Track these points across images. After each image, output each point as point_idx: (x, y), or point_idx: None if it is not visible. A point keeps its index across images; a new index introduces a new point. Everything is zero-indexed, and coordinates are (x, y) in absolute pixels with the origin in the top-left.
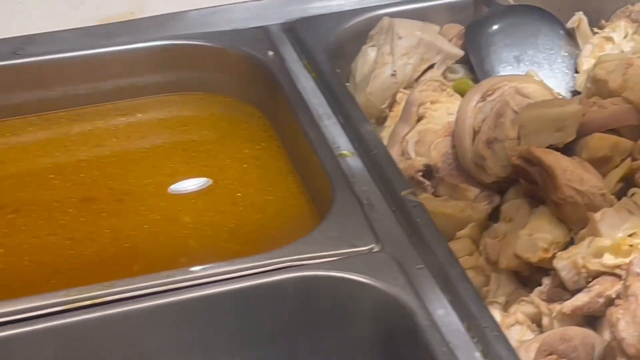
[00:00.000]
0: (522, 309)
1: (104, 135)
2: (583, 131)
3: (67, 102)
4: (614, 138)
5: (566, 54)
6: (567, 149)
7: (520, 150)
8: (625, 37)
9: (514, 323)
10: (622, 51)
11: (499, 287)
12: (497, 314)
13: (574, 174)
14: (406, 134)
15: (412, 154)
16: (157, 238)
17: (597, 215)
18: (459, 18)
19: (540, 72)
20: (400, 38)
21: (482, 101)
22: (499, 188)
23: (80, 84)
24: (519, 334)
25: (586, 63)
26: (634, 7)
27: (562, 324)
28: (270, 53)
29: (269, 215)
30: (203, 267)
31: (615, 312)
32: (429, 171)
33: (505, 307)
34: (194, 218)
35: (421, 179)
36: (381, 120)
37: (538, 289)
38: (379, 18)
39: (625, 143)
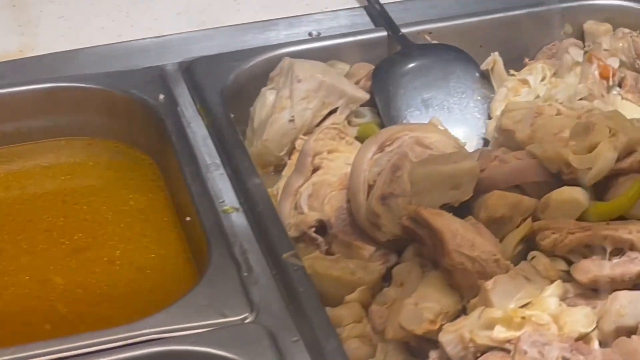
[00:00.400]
0: None
1: None
2: (482, 188)
3: None
4: (514, 196)
5: (480, 97)
6: (466, 208)
7: (409, 210)
8: (543, 79)
9: None
10: (538, 96)
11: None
12: None
13: (464, 239)
14: (300, 186)
15: (305, 208)
16: (24, 302)
17: (488, 284)
18: (372, 56)
19: (450, 117)
20: (299, 81)
21: (380, 152)
22: (397, 246)
23: None
24: None
25: (499, 108)
26: (562, 43)
27: None
28: (161, 96)
29: (147, 275)
30: (53, 341)
31: None
32: (322, 227)
33: None
34: (66, 279)
35: (314, 235)
36: (280, 168)
37: None
38: (282, 57)
39: (528, 202)
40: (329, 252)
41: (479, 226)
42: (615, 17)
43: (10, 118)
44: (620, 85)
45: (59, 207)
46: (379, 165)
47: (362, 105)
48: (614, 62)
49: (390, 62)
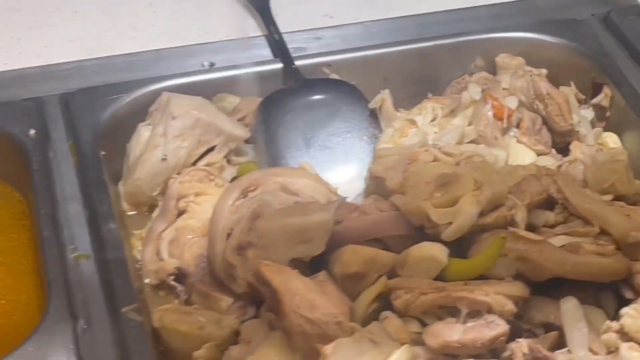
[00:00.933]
0: None
1: None
2: (338, 242)
3: None
4: (370, 251)
5: (367, 138)
6: (326, 262)
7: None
8: (433, 120)
9: None
10: (427, 138)
11: None
12: None
13: (304, 299)
14: (162, 231)
15: (165, 255)
16: None
17: (327, 348)
18: (267, 90)
19: (333, 158)
20: (174, 118)
21: (243, 198)
22: (256, 299)
23: None
24: None
25: None
26: (472, 77)
27: None
28: (32, 131)
29: None
30: None
31: None
32: (183, 275)
33: None
34: None
35: (173, 283)
36: (154, 208)
37: None
38: (166, 90)
39: (385, 257)
40: (188, 302)
41: (325, 284)
42: (529, 51)
43: None
44: (518, 127)
45: None
46: (240, 212)
47: (248, 142)
48: (511, 102)
49: (274, 98)
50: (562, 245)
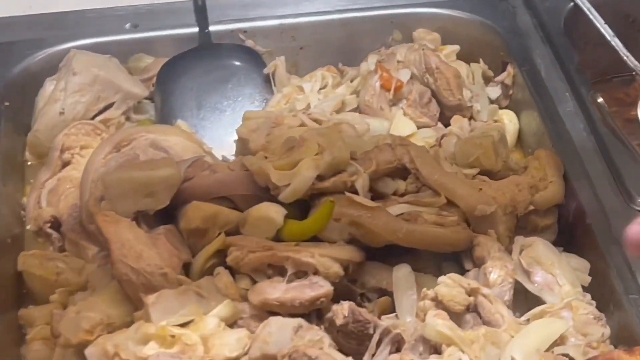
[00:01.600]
0: None
1: None
2: (185, 198)
3: None
4: (212, 208)
5: (258, 102)
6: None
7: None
8: (323, 88)
9: None
10: (309, 104)
11: None
12: None
13: (132, 250)
14: (46, 180)
15: (44, 203)
16: None
17: (150, 298)
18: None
19: (221, 119)
20: (74, 74)
21: (116, 152)
22: None
23: None
24: None
25: None
26: (389, 49)
27: None
28: None
29: None
30: None
31: None
32: (58, 223)
33: None
34: None
35: (49, 230)
36: None
37: None
38: (82, 48)
39: (228, 215)
40: (62, 250)
41: (159, 238)
42: (447, 27)
43: None
44: None
45: None
46: (109, 165)
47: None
48: (404, 75)
49: (174, 61)
50: (401, 214)
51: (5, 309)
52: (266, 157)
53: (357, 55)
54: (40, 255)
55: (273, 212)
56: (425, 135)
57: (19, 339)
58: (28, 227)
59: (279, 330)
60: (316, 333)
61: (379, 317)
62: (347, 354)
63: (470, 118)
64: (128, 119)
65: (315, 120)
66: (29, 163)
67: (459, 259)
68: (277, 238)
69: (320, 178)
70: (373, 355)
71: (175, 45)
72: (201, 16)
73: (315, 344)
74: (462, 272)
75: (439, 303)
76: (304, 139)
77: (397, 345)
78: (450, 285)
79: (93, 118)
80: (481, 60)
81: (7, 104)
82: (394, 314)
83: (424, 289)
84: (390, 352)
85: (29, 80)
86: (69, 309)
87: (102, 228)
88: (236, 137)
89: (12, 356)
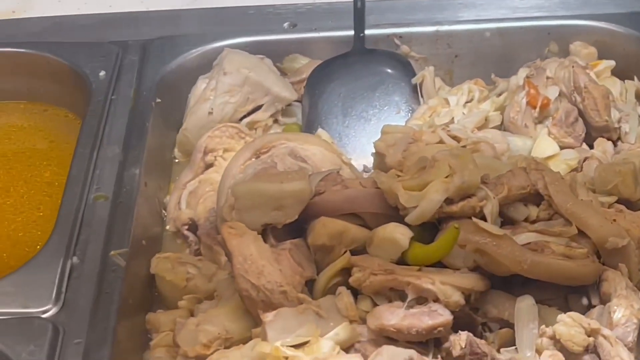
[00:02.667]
0: None
1: None
2: (314, 212)
3: None
4: (340, 225)
5: (403, 112)
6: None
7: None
8: (469, 101)
9: None
10: (452, 118)
11: None
12: None
13: (253, 265)
14: (188, 182)
15: (184, 205)
16: None
17: (268, 316)
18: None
19: (366, 128)
20: (225, 74)
21: (255, 158)
22: None
23: None
24: None
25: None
26: (543, 62)
27: None
28: (102, 73)
29: (18, 251)
30: None
31: None
32: (195, 226)
33: None
34: None
35: (186, 233)
36: None
37: None
38: (241, 46)
39: (355, 233)
40: (197, 253)
41: (281, 253)
42: (604, 41)
43: None
44: None
45: None
46: (246, 173)
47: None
48: (552, 92)
49: (326, 66)
50: (528, 243)
51: (135, 312)
52: (398, 176)
53: (512, 65)
54: (174, 259)
55: (399, 234)
56: (568, 157)
57: (144, 343)
58: (168, 227)
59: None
60: None
61: (499, 350)
62: None
63: (618, 139)
64: (276, 121)
65: (454, 138)
66: (177, 160)
67: (586, 292)
68: (402, 260)
69: (449, 201)
70: None
71: (331, 48)
72: (358, 19)
73: None
74: (590, 306)
75: (557, 342)
76: (435, 159)
77: None
78: (569, 325)
79: (241, 119)
80: (635, 78)
81: (158, 100)
82: (513, 347)
83: (543, 326)
84: None
85: (182, 76)
86: (189, 320)
87: (226, 240)
88: None
89: None
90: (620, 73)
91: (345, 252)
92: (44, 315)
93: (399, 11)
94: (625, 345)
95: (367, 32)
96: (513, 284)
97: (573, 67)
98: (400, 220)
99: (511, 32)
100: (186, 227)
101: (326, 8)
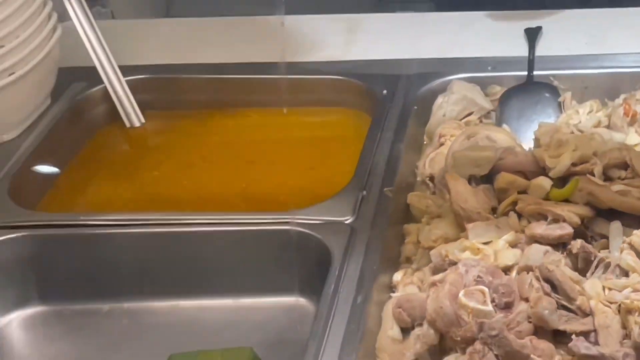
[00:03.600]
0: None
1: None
2: (497, 169)
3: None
4: (512, 177)
5: (551, 118)
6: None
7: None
8: (589, 112)
9: (409, 283)
10: (580, 121)
11: (421, 258)
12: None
13: (462, 196)
14: (429, 153)
15: (427, 166)
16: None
17: (469, 226)
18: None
19: (530, 126)
20: (452, 93)
21: (467, 140)
22: None
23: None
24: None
25: None
26: (637, 91)
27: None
28: (385, 91)
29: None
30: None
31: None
32: (432, 177)
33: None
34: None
35: (428, 182)
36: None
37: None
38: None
39: (521, 182)
40: (433, 193)
41: (479, 191)
42: None
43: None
44: None
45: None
46: (461, 146)
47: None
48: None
49: (510, 90)
50: (618, 190)
51: (397, 223)
52: (546, 150)
53: (617, 93)
54: (419, 195)
55: (544, 182)
56: None
57: (400, 242)
58: (418, 178)
59: (535, 252)
60: (557, 256)
61: (599, 251)
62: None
63: None
64: (481, 121)
65: (580, 131)
66: (425, 142)
67: None
68: (546, 198)
69: (573, 165)
70: (592, 273)
71: (514, 81)
72: (530, 65)
73: (555, 262)
74: None
75: (632, 247)
76: (567, 141)
77: (605, 269)
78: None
79: (461, 119)
80: None
81: (415, 107)
82: (607, 250)
83: (625, 238)
84: (602, 273)
85: (430, 94)
86: (426, 227)
87: (448, 182)
88: None
89: (396, 251)
90: None
91: (514, 192)
92: (346, 222)
93: (553, 61)
94: None
95: (535, 72)
96: (609, 213)
97: None
98: (546, 175)
99: (618, 77)
100: (428, 178)
101: (513, 57)
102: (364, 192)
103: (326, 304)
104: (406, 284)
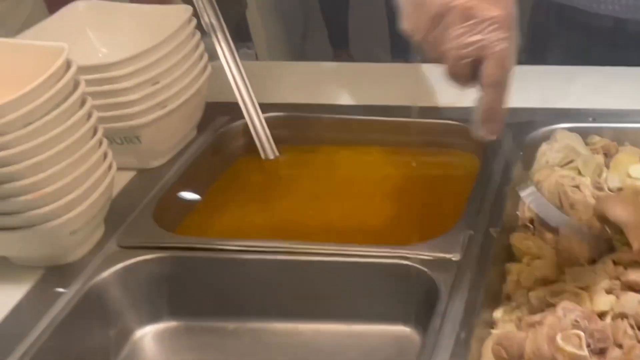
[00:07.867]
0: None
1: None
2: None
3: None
4: None
5: None
6: None
7: None
8: None
9: (508, 320)
10: None
11: (520, 297)
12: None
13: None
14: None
15: (527, 210)
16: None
17: (568, 270)
18: None
19: None
20: (556, 141)
21: None
22: None
23: None
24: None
25: None
26: None
27: None
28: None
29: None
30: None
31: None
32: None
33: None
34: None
35: (528, 224)
36: None
37: None
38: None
39: None
40: (533, 234)
41: None
42: None
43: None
44: None
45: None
46: None
47: None
48: None
49: None
50: None
51: (499, 264)
52: None
53: None
54: (522, 236)
55: None
56: None
57: (502, 280)
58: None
59: (631, 300)
60: None
61: None
62: None
63: None
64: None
65: None
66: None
67: None
68: None
69: None
70: None
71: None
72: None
73: None
74: None
75: None
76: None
77: None
78: None
79: (563, 166)
80: None
81: (521, 153)
82: None
83: None
84: None
85: (534, 142)
86: (527, 268)
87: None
88: None
89: (497, 289)
90: None
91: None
92: (453, 259)
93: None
94: None
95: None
96: None
97: None
98: None
99: None
100: (528, 220)
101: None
102: (472, 232)
103: (433, 337)
104: (505, 322)
